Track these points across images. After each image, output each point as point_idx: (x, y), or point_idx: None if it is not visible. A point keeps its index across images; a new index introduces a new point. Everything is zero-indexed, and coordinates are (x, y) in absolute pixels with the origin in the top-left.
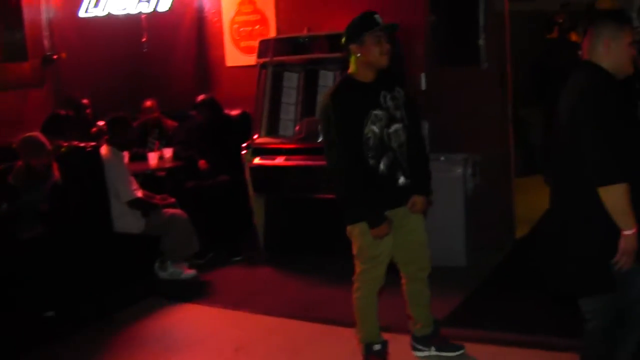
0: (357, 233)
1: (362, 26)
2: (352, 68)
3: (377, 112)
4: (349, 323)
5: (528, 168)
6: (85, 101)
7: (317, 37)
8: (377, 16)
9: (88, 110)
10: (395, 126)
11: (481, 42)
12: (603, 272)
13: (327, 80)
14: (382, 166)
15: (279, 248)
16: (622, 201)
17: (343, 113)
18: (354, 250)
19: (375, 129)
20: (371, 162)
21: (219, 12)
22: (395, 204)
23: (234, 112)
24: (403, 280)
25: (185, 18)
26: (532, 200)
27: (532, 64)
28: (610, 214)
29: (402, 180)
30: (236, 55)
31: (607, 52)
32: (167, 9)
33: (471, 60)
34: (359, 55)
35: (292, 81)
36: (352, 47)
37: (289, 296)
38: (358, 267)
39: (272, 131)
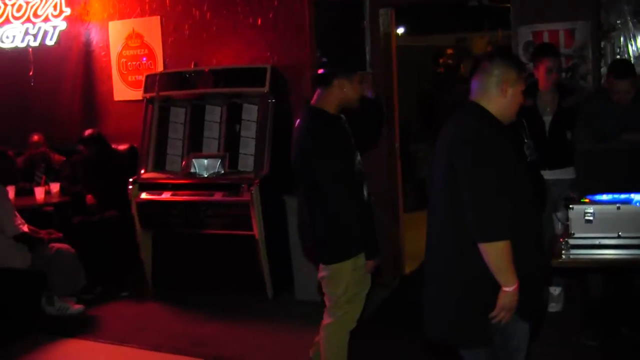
0: (349, 269)
1: (356, 65)
2: (321, 99)
3: (352, 141)
4: (236, 359)
5: (418, 203)
6: None
7: (203, 72)
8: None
9: None
10: (358, 153)
11: None
12: (479, 325)
13: (214, 115)
14: (365, 193)
15: (167, 283)
16: (503, 258)
17: (338, 146)
18: (337, 293)
19: (355, 158)
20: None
21: (106, 46)
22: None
23: (122, 147)
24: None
25: (72, 52)
26: (423, 235)
27: (419, 99)
28: (491, 270)
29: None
30: (124, 90)
31: (502, 97)
32: (54, 42)
33: None
34: (344, 89)
35: (178, 116)
36: (341, 80)
37: (176, 331)
38: (339, 310)
39: (159, 166)
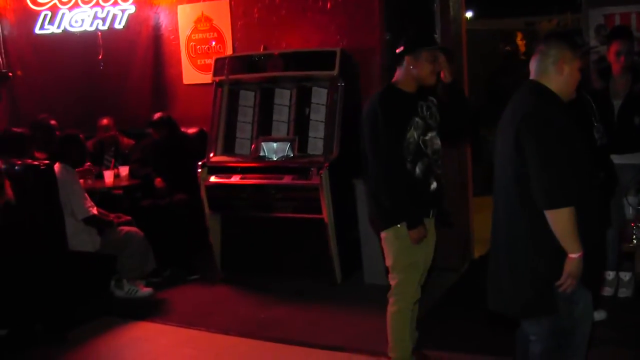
0: (392, 239)
1: (421, 41)
2: (397, 77)
3: (417, 119)
4: (304, 343)
5: (488, 187)
6: (53, 122)
7: (273, 55)
8: (436, 36)
9: (58, 132)
10: (431, 134)
11: None
12: (545, 294)
13: (283, 98)
14: (417, 170)
15: (235, 267)
16: (569, 225)
17: (390, 117)
18: (389, 262)
19: (415, 134)
20: (408, 166)
21: (175, 30)
22: (426, 213)
23: (191, 130)
24: None
25: (141, 35)
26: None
27: (487, 82)
28: (557, 237)
29: (434, 185)
30: (193, 73)
31: (559, 74)
32: (123, 26)
33: None
34: (411, 67)
35: (248, 99)
36: (408, 58)
37: (244, 315)
38: (393, 280)
39: (228, 150)
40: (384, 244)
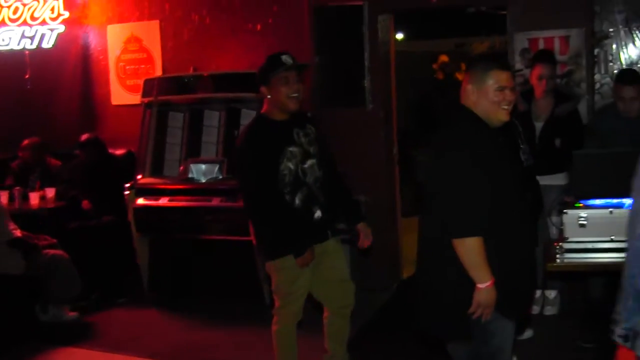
0: (274, 270)
1: (268, 67)
2: (264, 108)
3: (292, 148)
4: None
5: (417, 208)
6: None
7: (202, 76)
8: (284, 56)
9: None
10: (310, 161)
11: (366, 83)
12: (461, 319)
13: (213, 120)
14: (297, 201)
15: (164, 289)
16: (475, 255)
17: (258, 151)
18: (272, 286)
19: (291, 165)
20: (287, 197)
21: (105, 50)
22: (312, 240)
23: (119, 152)
24: (325, 314)
25: (70, 55)
26: None
27: (417, 103)
28: (464, 266)
29: (317, 214)
30: (122, 94)
31: (472, 97)
32: (51, 45)
33: (356, 102)
34: (268, 97)
35: (177, 121)
36: (262, 89)
37: (173, 339)
38: (276, 302)
39: (157, 171)
40: (268, 270)
